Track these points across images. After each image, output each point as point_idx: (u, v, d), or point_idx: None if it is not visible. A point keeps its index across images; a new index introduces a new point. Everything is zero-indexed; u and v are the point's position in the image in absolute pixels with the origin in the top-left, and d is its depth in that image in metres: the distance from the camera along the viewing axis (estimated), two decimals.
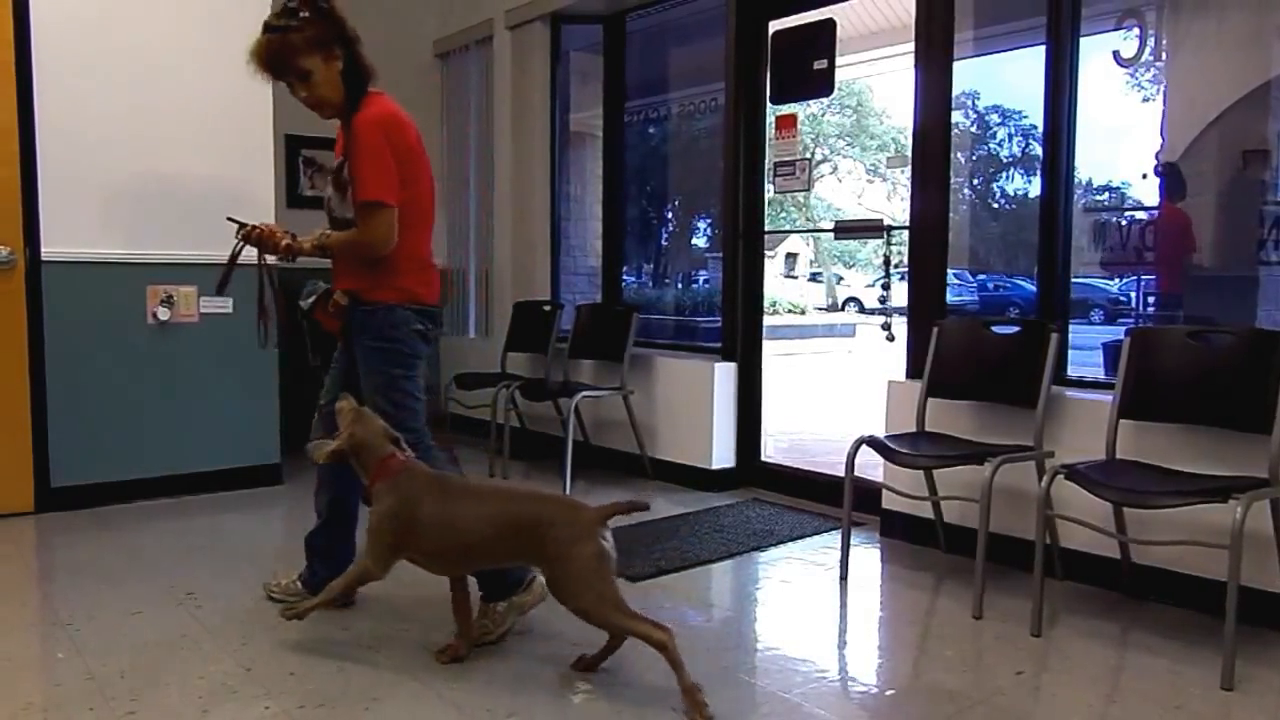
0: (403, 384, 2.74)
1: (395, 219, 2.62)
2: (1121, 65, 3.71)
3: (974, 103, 5.68)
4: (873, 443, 3.29)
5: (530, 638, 2.76)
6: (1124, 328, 3.30)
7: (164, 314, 4.22)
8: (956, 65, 3.69)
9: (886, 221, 4.33)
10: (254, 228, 2.77)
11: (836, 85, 4.34)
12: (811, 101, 7.44)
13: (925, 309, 3.75)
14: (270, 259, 2.84)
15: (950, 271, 3.83)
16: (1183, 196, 3.79)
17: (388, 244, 2.63)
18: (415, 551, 2.45)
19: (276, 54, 2.61)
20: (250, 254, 2.83)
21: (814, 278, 24.47)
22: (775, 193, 4.63)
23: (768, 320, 4.88)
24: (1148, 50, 3.67)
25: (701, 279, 6.85)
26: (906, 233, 3.89)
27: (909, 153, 3.85)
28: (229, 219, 2.82)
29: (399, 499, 2.41)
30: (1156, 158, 4.01)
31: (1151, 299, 4.42)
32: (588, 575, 2.26)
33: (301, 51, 2.60)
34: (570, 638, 2.78)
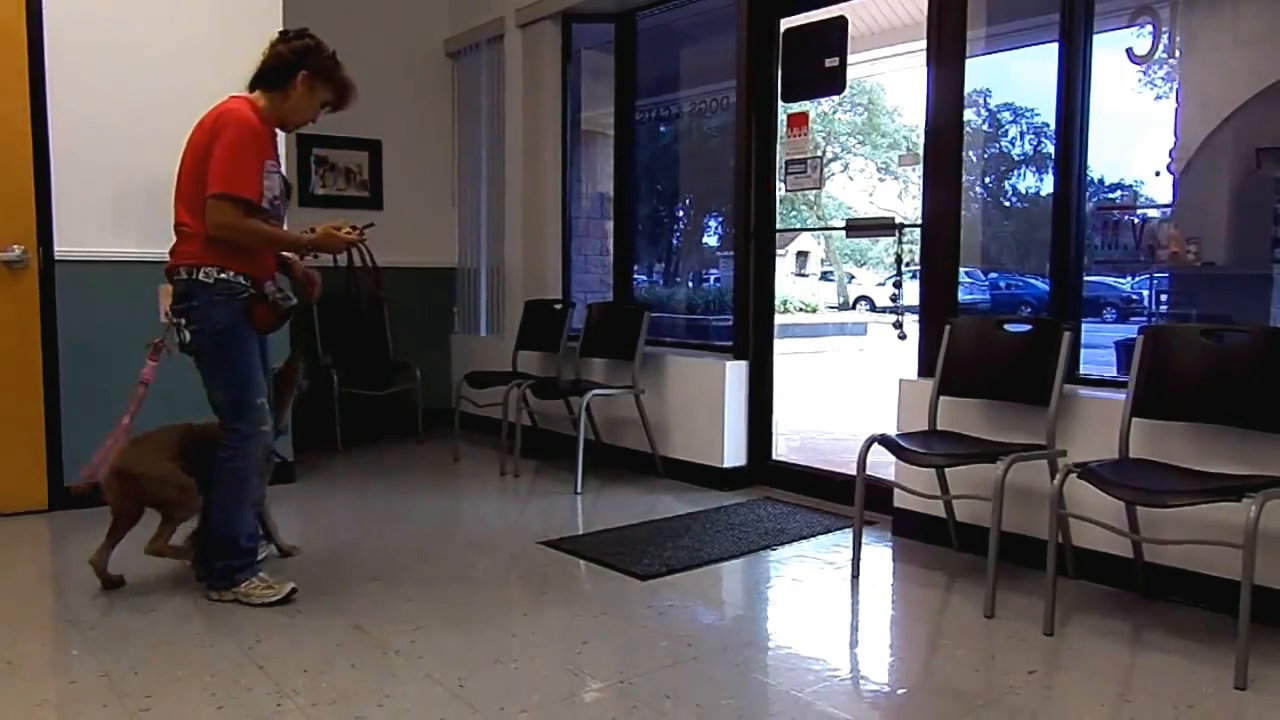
0: None
1: None
2: (1135, 62, 3.69)
3: (986, 100, 5.67)
4: (884, 441, 3.28)
5: (540, 638, 2.77)
6: (1137, 326, 3.29)
7: None
8: (969, 63, 3.68)
9: (898, 220, 4.32)
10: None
11: (848, 83, 4.33)
12: (823, 99, 7.44)
13: (937, 307, 3.74)
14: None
15: (962, 270, 3.82)
16: None
17: None
18: None
19: None
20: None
21: (825, 276, 24.39)
22: (787, 191, 4.62)
23: (779, 319, 4.87)
24: (1161, 47, 3.66)
25: (713, 277, 6.85)
26: (918, 231, 3.88)
27: (921, 151, 3.84)
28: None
29: None
30: (1170, 155, 4.00)
31: (1164, 297, 4.41)
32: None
33: None
34: (581, 638, 2.79)
